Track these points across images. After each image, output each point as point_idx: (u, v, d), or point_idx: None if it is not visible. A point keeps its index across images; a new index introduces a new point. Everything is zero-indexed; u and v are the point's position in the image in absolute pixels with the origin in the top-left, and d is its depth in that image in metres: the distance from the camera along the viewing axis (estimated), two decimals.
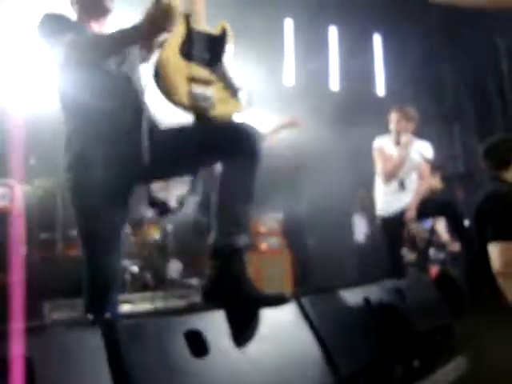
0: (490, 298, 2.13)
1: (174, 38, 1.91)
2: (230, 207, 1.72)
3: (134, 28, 1.74)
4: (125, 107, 1.95)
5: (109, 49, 1.86)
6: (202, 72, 1.90)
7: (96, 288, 1.94)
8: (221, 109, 1.90)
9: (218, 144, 1.77)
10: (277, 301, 1.61)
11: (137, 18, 1.81)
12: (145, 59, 2.20)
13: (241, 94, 1.98)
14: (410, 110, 4.03)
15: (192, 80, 1.86)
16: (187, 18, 1.97)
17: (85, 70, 1.90)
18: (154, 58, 1.93)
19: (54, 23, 1.92)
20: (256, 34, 5.64)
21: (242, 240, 1.69)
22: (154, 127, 2.01)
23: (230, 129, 1.78)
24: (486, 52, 6.50)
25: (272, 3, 5.77)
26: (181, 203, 1.93)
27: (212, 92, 1.89)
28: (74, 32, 1.88)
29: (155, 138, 1.88)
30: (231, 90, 1.95)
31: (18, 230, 3.94)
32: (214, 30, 2.04)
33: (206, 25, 2.00)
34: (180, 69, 1.87)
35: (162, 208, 1.93)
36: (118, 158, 1.87)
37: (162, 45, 1.94)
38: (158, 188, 2.08)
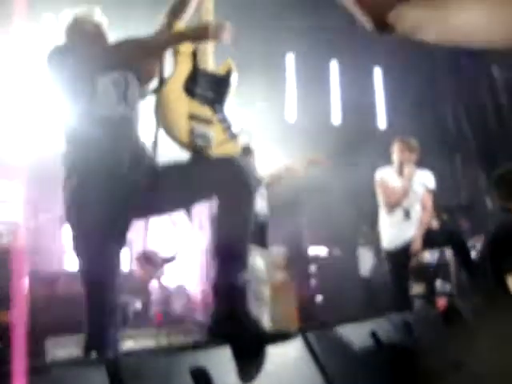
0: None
1: (179, 74, 1.94)
2: (228, 245, 1.73)
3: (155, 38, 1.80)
4: (123, 145, 1.97)
5: (130, 54, 1.92)
6: (203, 111, 1.92)
7: (94, 324, 1.92)
8: (219, 150, 1.91)
9: (210, 179, 1.79)
10: (281, 337, 1.60)
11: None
12: (144, 95, 2.23)
13: (240, 137, 2.00)
14: (412, 141, 4.06)
15: (193, 118, 1.88)
16: (194, 55, 1.99)
17: (84, 104, 1.93)
18: (157, 92, 1.95)
19: (66, 49, 1.96)
20: (257, 70, 5.75)
21: (242, 277, 1.70)
22: (151, 163, 2.03)
23: (223, 163, 1.80)
24: (485, 83, 6.58)
25: (273, 38, 5.89)
26: (171, 257, 1.95)
27: (211, 132, 1.91)
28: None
29: (153, 174, 1.91)
30: (231, 132, 1.97)
31: (21, 267, 3.95)
32: (220, 69, 2.06)
33: (212, 63, 2.02)
34: (181, 105, 1.88)
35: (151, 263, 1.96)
36: (115, 193, 1.89)
37: (166, 80, 1.95)
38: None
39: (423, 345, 2.14)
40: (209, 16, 2.06)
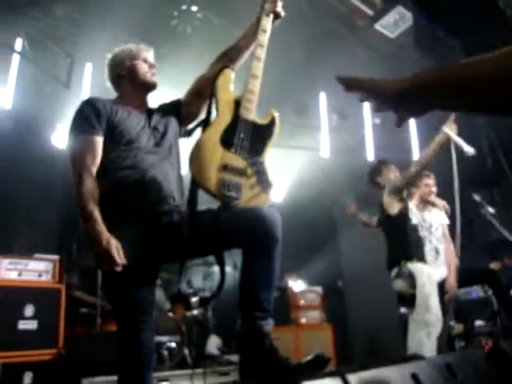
0: None
1: (219, 121, 1.95)
2: (253, 294, 1.74)
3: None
4: (160, 186, 2.01)
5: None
6: (237, 162, 1.92)
7: (127, 365, 1.92)
8: (248, 202, 1.90)
9: (237, 228, 1.80)
10: (317, 363, 1.57)
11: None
12: (183, 135, 2.28)
13: (272, 190, 1.98)
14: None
15: (225, 168, 1.88)
16: (237, 104, 2.00)
17: (118, 147, 1.99)
18: (194, 138, 1.99)
19: (82, 123, 2.01)
20: (291, 110, 5.84)
21: (267, 324, 1.70)
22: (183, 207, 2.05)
23: (251, 214, 1.80)
24: None
25: (306, 79, 5.99)
26: (202, 303, 1.95)
27: (243, 183, 1.90)
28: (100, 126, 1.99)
29: (186, 219, 1.93)
30: (264, 184, 1.95)
31: (59, 305, 4.03)
32: (263, 118, 2.06)
33: (255, 113, 2.02)
34: (216, 155, 1.89)
35: (185, 305, 1.96)
36: (150, 235, 1.91)
37: (205, 126, 1.99)
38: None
39: None
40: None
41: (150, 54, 2.24)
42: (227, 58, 2.14)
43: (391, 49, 6.10)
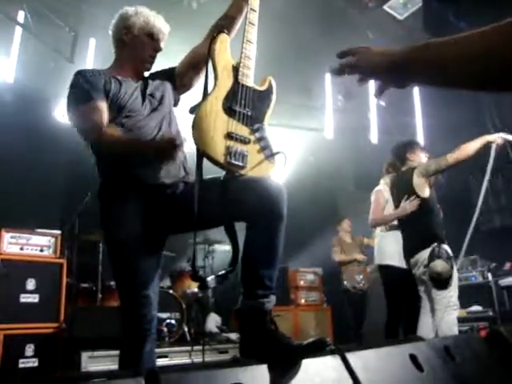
0: None
1: (219, 89, 1.92)
2: (256, 270, 1.72)
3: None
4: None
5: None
6: (241, 129, 1.89)
7: (129, 338, 1.93)
8: (253, 170, 1.88)
9: (243, 201, 1.76)
10: (318, 346, 1.58)
11: None
12: (177, 102, 2.25)
13: (276, 158, 1.96)
14: None
15: (229, 136, 1.85)
16: (236, 70, 1.97)
17: (116, 117, 1.97)
18: (197, 108, 1.92)
19: (80, 93, 1.96)
20: (296, 90, 5.80)
21: (268, 302, 1.69)
22: (188, 177, 2.05)
23: (257, 187, 1.77)
24: None
25: (313, 59, 5.93)
26: (219, 281, 1.92)
27: (247, 151, 1.88)
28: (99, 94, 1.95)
29: (190, 188, 1.90)
30: (267, 152, 1.93)
31: (60, 280, 4.05)
32: (260, 85, 2.05)
33: (252, 80, 2.00)
34: (220, 123, 1.86)
35: (201, 284, 1.93)
36: (152, 206, 1.91)
37: (206, 96, 1.95)
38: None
39: (465, 370, 2.06)
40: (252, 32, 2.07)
41: (163, 36, 2.16)
42: (219, 28, 2.09)
43: (399, 31, 6.02)
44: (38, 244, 4.04)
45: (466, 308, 5.97)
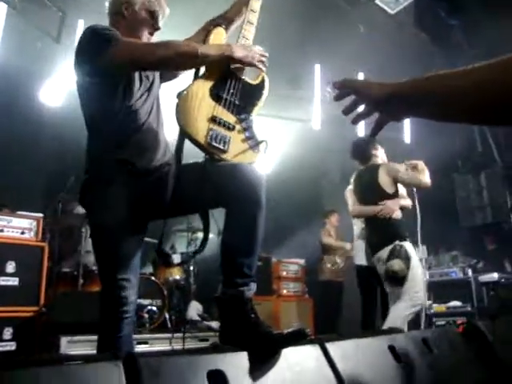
0: None
1: (209, 76, 1.92)
2: (234, 258, 1.71)
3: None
4: (146, 139, 1.97)
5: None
6: (226, 116, 1.90)
7: (108, 322, 1.92)
8: (236, 158, 1.88)
9: (222, 186, 1.75)
10: (297, 336, 1.58)
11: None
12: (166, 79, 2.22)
13: (261, 148, 1.96)
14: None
15: (213, 120, 1.86)
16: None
17: (108, 98, 1.92)
18: (182, 86, 1.92)
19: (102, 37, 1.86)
20: (284, 80, 5.77)
21: (248, 290, 1.69)
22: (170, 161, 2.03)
23: (235, 172, 1.76)
24: None
25: (302, 50, 5.91)
26: (184, 261, 1.93)
27: (230, 137, 1.88)
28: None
29: (173, 173, 1.89)
30: (252, 142, 1.93)
31: (41, 263, 4.01)
32: (253, 80, 2.05)
33: (244, 74, 2.00)
34: (205, 106, 1.86)
35: (164, 260, 1.93)
36: (136, 190, 1.89)
37: (196, 79, 1.94)
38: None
39: (442, 362, 2.09)
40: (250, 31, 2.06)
41: (163, 15, 2.10)
42: (214, 25, 2.08)
43: (390, 26, 6.02)
44: (19, 227, 3.99)
45: (446, 303, 6.06)
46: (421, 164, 3.81)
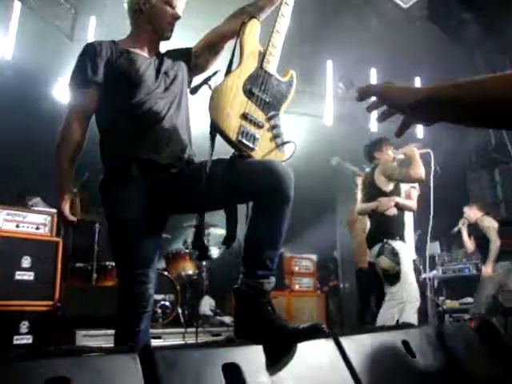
0: None
1: (242, 71, 1.92)
2: (259, 251, 1.72)
3: None
4: (171, 136, 1.98)
5: None
6: (257, 113, 1.90)
7: (125, 317, 1.93)
8: (262, 156, 1.89)
9: (250, 181, 1.76)
10: (312, 331, 1.59)
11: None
12: (189, 83, 2.22)
13: (286, 147, 1.97)
14: None
15: (244, 117, 1.86)
16: (262, 56, 1.98)
17: (126, 93, 1.95)
18: (217, 81, 1.93)
19: (81, 74, 1.98)
20: (297, 76, 5.75)
21: (268, 283, 1.70)
22: (194, 156, 2.04)
23: (264, 168, 1.76)
24: None
25: (315, 45, 5.89)
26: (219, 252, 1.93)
27: (259, 135, 1.89)
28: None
29: (197, 169, 1.88)
30: (278, 141, 1.95)
31: (56, 258, 4.05)
32: (282, 76, 2.05)
33: (275, 70, 2.00)
34: (237, 102, 1.86)
35: (202, 253, 1.93)
36: (154, 186, 1.90)
37: (229, 74, 1.92)
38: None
39: (455, 357, 2.08)
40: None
41: (182, 3, 2.10)
42: (246, 14, 2.07)
43: (403, 20, 5.98)
44: (34, 222, 4.03)
45: (459, 299, 6.03)
46: (410, 151, 3.84)
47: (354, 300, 5.85)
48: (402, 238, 3.78)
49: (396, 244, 3.70)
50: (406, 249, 3.76)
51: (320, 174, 7.01)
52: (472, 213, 5.67)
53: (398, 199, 3.89)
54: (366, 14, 5.97)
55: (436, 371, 1.87)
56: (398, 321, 3.51)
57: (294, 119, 6.27)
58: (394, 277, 3.64)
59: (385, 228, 3.81)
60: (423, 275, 5.34)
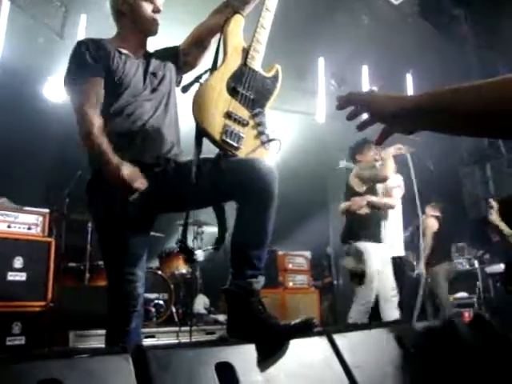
0: None
1: (226, 67, 1.91)
2: (245, 250, 1.72)
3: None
4: (158, 136, 1.97)
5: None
6: (241, 111, 1.89)
7: (116, 316, 1.93)
8: (247, 154, 1.87)
9: (234, 180, 1.76)
10: (305, 327, 1.59)
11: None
12: (179, 82, 2.22)
13: (271, 144, 1.95)
14: None
15: (228, 116, 1.85)
16: (246, 52, 1.96)
17: (115, 94, 1.94)
18: (200, 81, 1.91)
19: (78, 70, 1.93)
20: (289, 73, 5.74)
21: (257, 282, 1.69)
22: (180, 155, 2.03)
23: (248, 167, 1.76)
24: None
25: (306, 42, 5.89)
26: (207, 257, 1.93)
27: (243, 133, 1.87)
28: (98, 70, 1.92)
29: (183, 167, 1.89)
30: (263, 138, 1.93)
31: (48, 258, 4.02)
32: (267, 72, 2.03)
33: (259, 65, 1.99)
34: (221, 101, 1.85)
35: (188, 257, 1.92)
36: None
37: (212, 72, 1.92)
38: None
39: (449, 353, 2.09)
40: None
41: None
42: (230, 8, 2.05)
43: (395, 17, 5.98)
44: (26, 222, 4.00)
45: (453, 294, 6.06)
46: (385, 153, 4.02)
47: (348, 296, 5.86)
48: (370, 239, 3.87)
49: (360, 245, 3.79)
50: (373, 249, 3.85)
51: (312, 171, 7.02)
52: (427, 211, 5.74)
53: (371, 198, 4.00)
54: (358, 10, 5.96)
55: (429, 367, 1.87)
56: (370, 318, 3.62)
57: (286, 117, 6.28)
58: (360, 277, 3.76)
59: (352, 228, 3.98)
60: (416, 271, 5.37)
